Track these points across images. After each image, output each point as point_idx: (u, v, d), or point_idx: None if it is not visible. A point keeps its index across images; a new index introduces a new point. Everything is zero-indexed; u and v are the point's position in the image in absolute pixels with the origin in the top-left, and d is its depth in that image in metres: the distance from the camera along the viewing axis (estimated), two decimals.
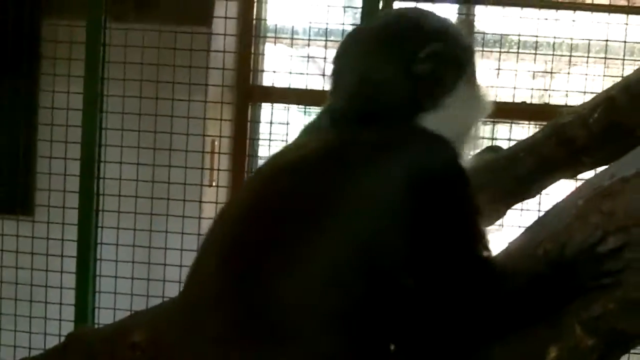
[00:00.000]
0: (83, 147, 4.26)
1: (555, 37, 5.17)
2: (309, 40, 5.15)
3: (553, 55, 5.23)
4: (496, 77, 5.25)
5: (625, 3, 4.83)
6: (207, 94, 4.66)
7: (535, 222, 1.78)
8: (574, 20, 5.10)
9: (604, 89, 2.52)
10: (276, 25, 5.43)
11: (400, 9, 2.05)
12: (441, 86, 1.70)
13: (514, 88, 5.20)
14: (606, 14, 5.03)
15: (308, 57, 5.10)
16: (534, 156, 2.39)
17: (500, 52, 5.28)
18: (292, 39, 5.24)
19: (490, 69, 5.38)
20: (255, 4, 5.57)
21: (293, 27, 5.28)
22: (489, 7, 5.38)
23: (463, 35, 1.82)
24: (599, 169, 2.20)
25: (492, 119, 5.22)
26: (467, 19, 5.54)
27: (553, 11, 5.11)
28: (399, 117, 1.68)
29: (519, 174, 2.39)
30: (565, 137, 2.35)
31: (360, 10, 4.43)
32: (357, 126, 1.68)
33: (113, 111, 4.40)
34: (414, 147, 1.62)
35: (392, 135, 1.64)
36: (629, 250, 1.57)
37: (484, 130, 5.57)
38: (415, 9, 2.04)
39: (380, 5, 4.32)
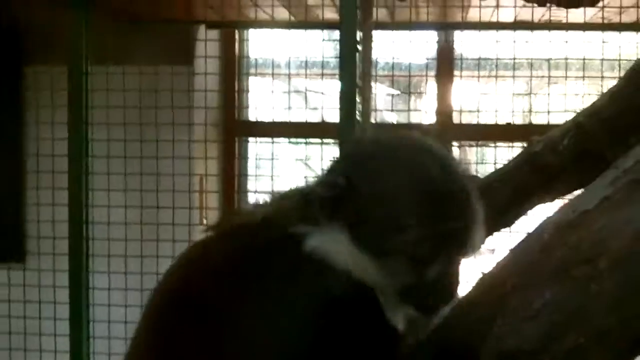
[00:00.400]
0: (70, 193, 4.28)
1: (532, 58, 5.23)
2: (289, 74, 5.20)
3: (531, 76, 5.29)
4: (478, 100, 5.30)
5: (600, 20, 4.88)
6: (190, 132, 4.69)
7: (505, 257, 1.79)
8: (550, 41, 5.16)
9: (585, 106, 2.53)
10: (256, 59, 5.49)
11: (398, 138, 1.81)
12: (335, 217, 1.57)
13: (496, 110, 5.24)
14: (582, 32, 5.09)
15: (289, 90, 5.15)
16: (508, 186, 2.39)
17: (479, 76, 5.33)
18: (272, 74, 5.29)
19: (472, 91, 5.45)
20: (237, 42, 5.63)
21: (273, 60, 5.33)
22: (466, 31, 5.44)
23: (415, 188, 1.56)
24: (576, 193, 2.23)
25: (476, 142, 5.28)
26: (447, 45, 5.60)
27: (529, 32, 5.17)
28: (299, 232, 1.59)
29: (494, 204, 2.38)
30: (538, 165, 2.36)
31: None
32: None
33: (98, 155, 4.43)
34: (284, 266, 1.58)
35: (280, 250, 1.59)
36: (594, 283, 1.59)
37: (470, 154, 5.63)
38: (406, 142, 1.71)
39: (358, 36, 4.32)
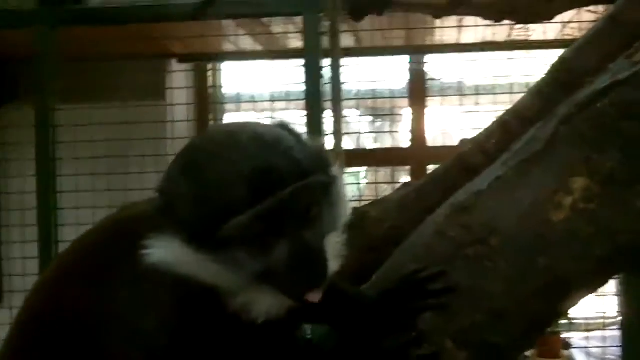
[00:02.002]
0: (40, 229, 4.30)
1: (512, 76, 5.25)
2: (254, 102, 5.23)
3: (511, 93, 5.30)
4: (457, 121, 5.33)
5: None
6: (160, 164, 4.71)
7: (403, 244, 1.80)
8: (528, 58, 5.19)
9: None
10: (238, 93, 5.54)
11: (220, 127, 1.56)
12: (170, 222, 1.49)
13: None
14: (561, 50, 5.08)
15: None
16: (439, 187, 2.40)
17: (461, 95, 5.36)
18: (237, 103, 5.32)
19: (451, 114, 5.49)
20: (210, 72, 5.69)
21: (239, 94, 5.36)
22: (436, 55, 5.48)
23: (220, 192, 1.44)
24: None
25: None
26: (417, 68, 5.64)
27: (507, 52, 5.20)
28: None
29: (427, 206, 2.40)
30: (466, 166, 2.38)
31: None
32: None
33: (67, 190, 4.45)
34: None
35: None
36: (488, 261, 1.61)
37: None
38: (225, 128, 1.66)
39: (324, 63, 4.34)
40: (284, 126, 1.58)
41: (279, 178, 1.43)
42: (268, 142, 1.48)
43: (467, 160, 2.41)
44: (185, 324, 1.55)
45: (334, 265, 1.56)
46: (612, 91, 1.56)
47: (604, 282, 1.66)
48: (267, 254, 1.46)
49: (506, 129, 2.36)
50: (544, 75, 2.35)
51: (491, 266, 1.61)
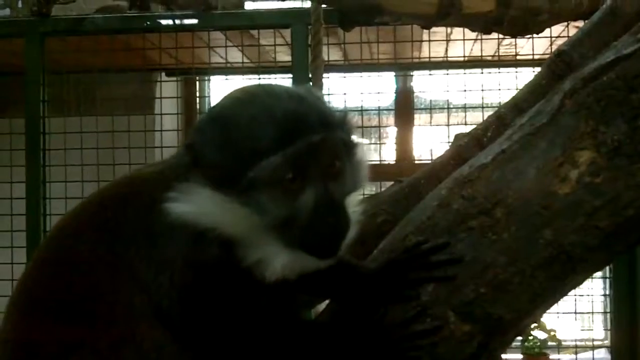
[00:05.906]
0: (28, 234, 4.29)
1: (500, 90, 5.24)
2: None
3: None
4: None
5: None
6: None
7: (405, 218, 1.82)
8: (516, 74, 5.19)
9: None
10: (210, 105, 5.53)
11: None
12: (197, 174, 1.55)
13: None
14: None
15: None
16: (432, 181, 2.40)
17: (448, 109, 5.36)
18: None
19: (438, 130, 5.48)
20: (197, 83, 5.72)
21: None
22: (433, 71, 5.48)
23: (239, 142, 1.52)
24: None
25: None
26: (404, 85, 5.66)
27: (496, 69, 5.21)
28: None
29: (420, 199, 2.42)
30: (461, 159, 2.38)
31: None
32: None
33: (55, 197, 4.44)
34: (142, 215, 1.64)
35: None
36: (492, 232, 1.62)
37: None
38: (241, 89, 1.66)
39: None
40: (311, 89, 1.66)
41: (309, 124, 1.51)
42: (299, 93, 1.57)
43: (463, 153, 2.42)
44: (198, 282, 1.58)
45: (353, 228, 1.61)
46: (618, 65, 1.58)
47: (609, 259, 1.68)
48: (292, 199, 1.51)
49: (503, 122, 2.37)
50: (541, 68, 2.37)
51: (495, 238, 1.62)
